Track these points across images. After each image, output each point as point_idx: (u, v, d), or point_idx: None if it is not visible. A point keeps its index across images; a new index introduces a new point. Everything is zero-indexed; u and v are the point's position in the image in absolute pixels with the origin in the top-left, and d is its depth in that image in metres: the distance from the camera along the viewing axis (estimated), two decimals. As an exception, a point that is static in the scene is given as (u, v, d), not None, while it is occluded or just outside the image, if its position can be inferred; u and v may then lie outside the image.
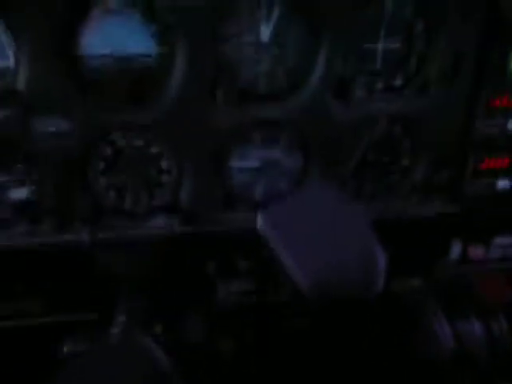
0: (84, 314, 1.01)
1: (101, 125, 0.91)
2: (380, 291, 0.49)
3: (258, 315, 1.10)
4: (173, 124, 0.92)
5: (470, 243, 1.16)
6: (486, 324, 1.09)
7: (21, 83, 0.86)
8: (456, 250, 1.17)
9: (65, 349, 0.84)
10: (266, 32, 0.92)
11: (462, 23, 0.92)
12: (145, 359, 0.64)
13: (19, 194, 0.98)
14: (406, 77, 0.97)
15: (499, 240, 1.16)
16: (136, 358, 0.65)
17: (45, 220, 0.97)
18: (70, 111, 0.88)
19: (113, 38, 0.89)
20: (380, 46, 0.95)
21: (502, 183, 1.06)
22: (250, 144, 0.99)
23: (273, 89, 0.95)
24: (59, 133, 0.90)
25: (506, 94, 0.97)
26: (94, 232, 0.97)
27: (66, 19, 0.83)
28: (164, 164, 0.98)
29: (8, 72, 0.87)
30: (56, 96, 0.87)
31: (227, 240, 1.03)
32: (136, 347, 0.67)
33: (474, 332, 1.10)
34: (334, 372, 0.95)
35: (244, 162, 1.01)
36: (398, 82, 0.98)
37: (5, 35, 0.84)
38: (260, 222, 0.51)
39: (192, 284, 1.07)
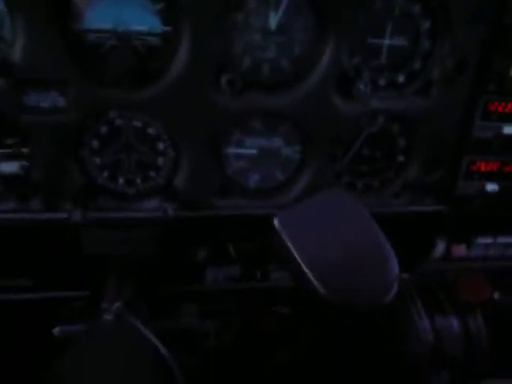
0: (74, 292, 1.00)
1: (97, 102, 0.88)
2: (392, 299, 0.50)
3: (245, 300, 1.11)
4: (173, 105, 0.90)
5: (454, 242, 1.19)
6: (463, 321, 1.13)
7: (16, 55, 0.82)
8: (440, 247, 1.20)
9: (57, 329, 0.83)
10: (273, 19, 0.90)
11: (467, 28, 0.93)
12: (140, 344, 0.64)
13: (9, 167, 0.95)
14: (409, 75, 0.98)
15: (481, 240, 1.20)
16: (131, 344, 0.65)
17: (34, 197, 0.95)
18: (66, 86, 0.85)
19: (116, 13, 0.86)
20: (386, 42, 0.95)
21: (491, 186, 1.09)
22: (249, 131, 0.99)
23: (276, 78, 0.94)
24: (53, 108, 0.87)
25: (503, 100, 0.99)
26: (85, 212, 0.95)
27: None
28: (161, 146, 0.97)
29: (4, 42, 0.83)
30: (51, 70, 0.84)
31: (220, 226, 1.03)
32: (131, 333, 0.67)
33: (452, 328, 1.14)
34: (314, 363, 0.96)
35: (242, 149, 1.00)
36: (401, 79, 0.98)
37: (2, 5, 0.81)
38: (277, 222, 0.50)
39: (182, 268, 1.07)
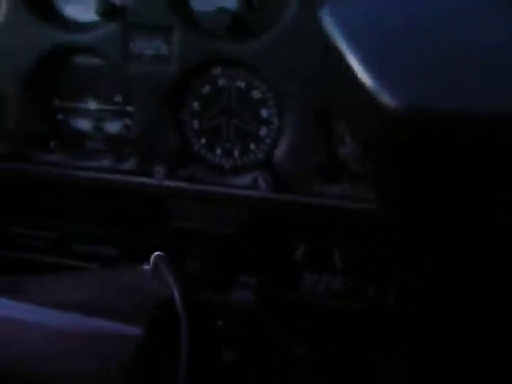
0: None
1: (200, 53, 0.81)
2: None
3: (346, 323, 0.87)
4: (280, 60, 0.77)
5: None
6: None
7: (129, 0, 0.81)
8: None
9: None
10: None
11: None
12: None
13: (114, 127, 0.92)
14: None
15: None
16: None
17: (130, 157, 0.89)
18: (171, 34, 0.80)
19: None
20: None
21: None
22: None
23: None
24: (157, 56, 0.82)
25: None
26: (175, 180, 0.86)
27: None
28: (264, 113, 0.84)
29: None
30: (158, 16, 0.80)
31: (321, 219, 0.83)
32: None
33: None
34: None
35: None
36: None
37: None
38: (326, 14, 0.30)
39: (275, 264, 0.89)
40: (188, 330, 0.45)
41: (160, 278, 0.53)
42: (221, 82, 0.84)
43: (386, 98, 0.25)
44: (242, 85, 0.84)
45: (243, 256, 0.87)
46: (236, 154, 0.87)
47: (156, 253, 0.57)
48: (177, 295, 0.47)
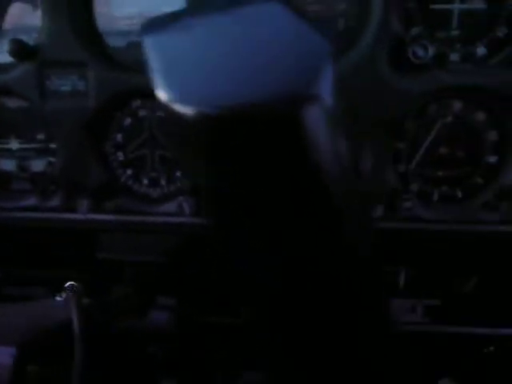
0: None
1: (116, 87, 0.82)
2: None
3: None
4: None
5: None
6: None
7: (41, 38, 0.82)
8: None
9: None
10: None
11: None
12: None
13: (38, 165, 0.92)
14: (491, 46, 0.76)
15: None
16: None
17: (55, 194, 0.88)
18: (86, 70, 0.81)
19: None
20: (456, 6, 0.76)
21: None
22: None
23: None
24: (74, 92, 0.83)
25: None
26: (102, 213, 0.86)
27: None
28: (186, 141, 0.86)
29: (34, 30, 0.84)
30: (71, 53, 0.81)
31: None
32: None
33: None
34: None
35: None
36: (481, 51, 0.76)
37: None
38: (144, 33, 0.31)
39: (210, 288, 0.89)
40: (82, 353, 0.45)
41: (67, 307, 0.53)
42: (141, 113, 0.86)
43: (186, 108, 0.27)
44: (163, 114, 0.85)
45: (167, 280, 0.87)
46: (163, 182, 0.88)
47: (68, 283, 0.57)
48: (75, 321, 0.47)
